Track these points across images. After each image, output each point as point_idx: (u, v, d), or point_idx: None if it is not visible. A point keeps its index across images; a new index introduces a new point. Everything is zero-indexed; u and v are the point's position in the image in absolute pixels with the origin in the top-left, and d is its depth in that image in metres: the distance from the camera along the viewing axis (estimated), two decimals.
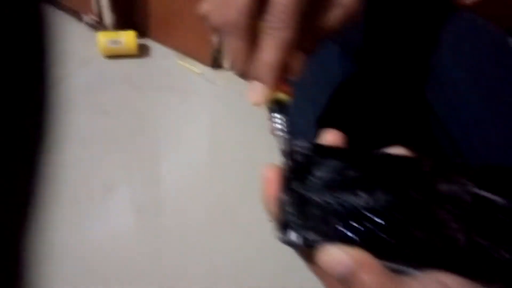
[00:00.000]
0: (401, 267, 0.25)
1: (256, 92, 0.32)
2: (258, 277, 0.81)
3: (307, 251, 0.27)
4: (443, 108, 0.50)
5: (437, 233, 0.26)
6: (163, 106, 1.06)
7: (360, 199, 0.28)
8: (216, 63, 1.16)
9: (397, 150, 0.30)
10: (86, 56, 1.14)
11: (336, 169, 0.29)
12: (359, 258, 0.25)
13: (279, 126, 0.33)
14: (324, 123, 0.55)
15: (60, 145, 0.85)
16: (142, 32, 1.20)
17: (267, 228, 0.88)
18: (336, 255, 0.25)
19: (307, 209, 0.28)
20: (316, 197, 0.28)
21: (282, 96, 0.33)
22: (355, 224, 0.26)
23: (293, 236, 0.27)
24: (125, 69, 1.13)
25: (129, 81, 1.11)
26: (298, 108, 0.62)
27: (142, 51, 1.18)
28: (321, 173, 0.29)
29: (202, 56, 1.15)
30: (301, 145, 0.31)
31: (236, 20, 0.29)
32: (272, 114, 0.33)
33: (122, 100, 1.06)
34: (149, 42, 1.21)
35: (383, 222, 0.26)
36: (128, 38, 1.12)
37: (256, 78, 0.31)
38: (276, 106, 0.33)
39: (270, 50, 0.30)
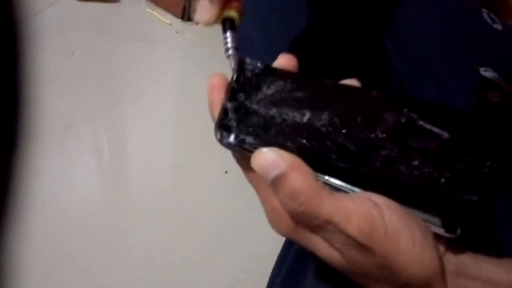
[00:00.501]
0: (335, 183, 0.26)
1: (205, 10, 0.32)
2: (223, 225, 0.86)
3: (244, 155, 0.27)
4: (398, 55, 0.51)
5: (373, 155, 0.26)
6: (130, 52, 1.08)
7: (303, 116, 0.28)
8: (186, 15, 1.17)
9: (351, 82, 0.31)
10: None
11: (284, 89, 0.30)
12: (292, 161, 0.24)
13: (230, 44, 0.32)
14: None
15: (25, 82, 0.90)
16: None
17: (228, 178, 0.93)
18: (270, 156, 0.25)
19: (250, 117, 0.28)
20: (259, 109, 0.28)
21: (232, 13, 0.32)
22: (295, 136, 0.27)
23: (231, 138, 0.27)
24: (95, 12, 1.14)
25: (98, 25, 1.12)
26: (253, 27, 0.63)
27: None
28: (268, 90, 0.30)
29: (173, 7, 1.17)
30: (252, 63, 0.31)
31: None
32: (224, 34, 0.32)
33: (89, 43, 1.07)
34: None
35: (323, 138, 0.27)
36: None
37: None
38: (227, 24, 0.32)
39: None
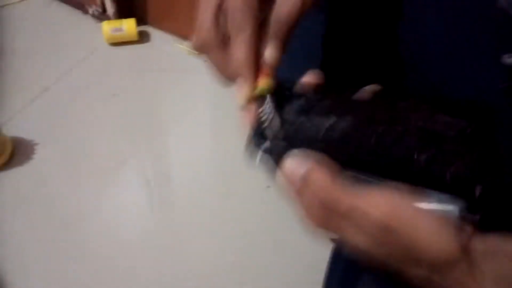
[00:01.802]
0: (363, 176, 0.27)
1: (242, 90, 0.34)
2: (268, 244, 0.89)
3: (277, 161, 0.29)
4: (419, 54, 0.50)
5: (395, 148, 0.27)
6: (165, 85, 1.16)
7: (330, 119, 0.30)
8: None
9: (373, 87, 0.32)
10: (93, 45, 1.24)
11: (313, 100, 0.32)
12: (318, 158, 0.27)
13: (269, 110, 0.33)
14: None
15: (79, 129, 0.99)
16: (142, 20, 1.29)
17: (273, 194, 0.95)
18: (297, 156, 0.28)
19: (282, 125, 0.31)
20: (290, 118, 0.31)
21: (266, 83, 0.34)
22: (322, 138, 0.29)
23: (266, 144, 0.30)
24: (128, 54, 1.24)
25: (133, 65, 1.21)
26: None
27: (143, 37, 1.28)
28: (299, 101, 0.32)
29: None
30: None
31: (208, 37, 0.34)
32: (262, 101, 0.34)
33: (128, 83, 1.16)
34: (148, 28, 1.30)
35: (349, 138, 0.29)
36: (129, 26, 1.22)
37: (237, 77, 0.34)
38: (263, 96, 0.34)
39: (239, 47, 0.33)
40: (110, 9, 1.26)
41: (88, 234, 0.88)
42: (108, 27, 1.22)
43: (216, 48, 0.35)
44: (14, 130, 1.02)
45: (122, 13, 1.26)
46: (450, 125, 0.28)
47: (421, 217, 0.25)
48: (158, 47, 1.26)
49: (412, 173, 0.27)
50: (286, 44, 0.35)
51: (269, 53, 0.34)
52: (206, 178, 0.99)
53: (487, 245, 0.25)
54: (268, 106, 0.34)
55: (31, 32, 1.28)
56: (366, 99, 0.32)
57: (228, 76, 0.36)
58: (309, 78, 0.34)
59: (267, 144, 0.30)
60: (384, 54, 0.57)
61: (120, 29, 1.22)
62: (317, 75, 0.34)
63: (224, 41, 0.34)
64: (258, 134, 0.31)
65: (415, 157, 0.27)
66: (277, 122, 0.32)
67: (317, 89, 0.33)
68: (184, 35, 1.26)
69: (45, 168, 0.97)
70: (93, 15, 1.30)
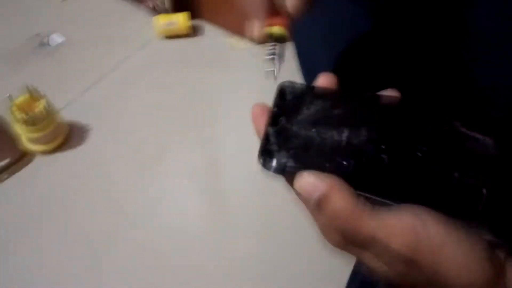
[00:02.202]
0: (378, 199, 0.25)
1: (253, 27, 0.36)
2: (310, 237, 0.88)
3: (288, 179, 0.28)
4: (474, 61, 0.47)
5: (414, 167, 0.25)
6: (213, 78, 1.17)
7: (342, 134, 0.28)
8: (259, 40, 1.25)
9: (390, 92, 0.31)
10: (146, 38, 1.29)
11: (324, 108, 0.30)
12: (332, 183, 0.25)
13: (272, 54, 0.35)
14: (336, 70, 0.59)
15: (130, 117, 1.02)
16: (195, 14, 1.32)
17: None
18: (310, 179, 0.26)
19: (290, 140, 0.29)
20: (300, 130, 0.29)
21: (278, 29, 0.35)
22: (334, 156, 0.27)
23: (274, 163, 0.28)
24: (180, 47, 1.26)
25: (183, 57, 1.24)
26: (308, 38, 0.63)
27: (195, 31, 1.30)
28: (308, 110, 0.30)
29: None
30: (292, 85, 0.32)
31: None
32: (272, 43, 0.36)
33: (178, 75, 1.19)
34: (201, 22, 1.33)
35: (361, 155, 0.26)
36: (181, 19, 1.25)
37: (252, 16, 0.36)
38: (273, 39, 0.36)
39: None
40: (166, 3, 1.29)
41: (135, 221, 0.90)
42: (161, 20, 1.25)
43: None
44: (70, 115, 1.07)
45: (176, 7, 1.30)
46: (477, 143, 0.25)
47: (446, 248, 0.23)
48: (209, 41, 1.28)
49: (434, 195, 0.24)
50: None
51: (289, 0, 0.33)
52: (250, 170, 0.99)
53: None
54: (274, 51, 0.34)
55: (89, 24, 1.34)
56: (384, 107, 0.29)
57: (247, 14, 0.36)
58: (322, 81, 0.33)
59: (274, 163, 0.28)
60: (434, 61, 0.54)
61: (173, 23, 1.25)
62: (330, 78, 0.32)
63: None
64: (266, 152, 0.29)
65: (438, 182, 0.24)
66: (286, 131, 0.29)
67: (330, 93, 0.31)
68: (236, 30, 1.28)
69: (97, 152, 1.01)
70: (152, 9, 1.34)
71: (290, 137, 0.29)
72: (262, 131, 0.31)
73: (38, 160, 1.00)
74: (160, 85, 1.17)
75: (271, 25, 0.35)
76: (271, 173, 0.29)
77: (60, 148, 1.01)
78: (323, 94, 0.31)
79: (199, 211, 0.92)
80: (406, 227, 0.23)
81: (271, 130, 0.30)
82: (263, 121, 0.31)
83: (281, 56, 0.36)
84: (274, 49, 0.36)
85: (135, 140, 1.04)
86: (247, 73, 1.18)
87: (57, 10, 1.39)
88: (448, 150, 0.25)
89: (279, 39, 0.36)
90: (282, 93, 0.32)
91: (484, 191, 0.23)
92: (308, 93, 0.31)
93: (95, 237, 0.87)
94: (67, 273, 0.82)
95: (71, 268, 0.83)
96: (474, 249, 0.23)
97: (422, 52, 0.55)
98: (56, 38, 1.27)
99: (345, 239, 0.26)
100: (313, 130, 0.29)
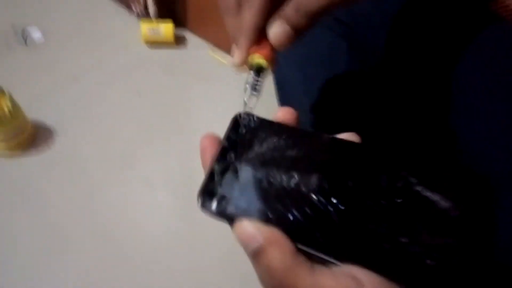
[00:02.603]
0: (318, 254, 0.24)
1: (236, 53, 0.34)
2: None
3: (228, 221, 0.26)
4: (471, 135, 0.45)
5: (361, 226, 0.24)
6: (191, 90, 1.15)
7: (291, 180, 0.26)
8: (238, 67, 1.23)
9: (349, 136, 0.29)
10: (128, 41, 1.25)
11: (277, 147, 0.28)
12: (270, 236, 0.24)
13: (251, 82, 0.34)
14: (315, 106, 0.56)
15: (100, 122, 0.97)
16: (180, 23, 1.29)
17: None
18: (248, 229, 0.24)
19: (235, 181, 0.27)
20: (247, 171, 0.27)
21: (259, 60, 0.34)
22: (279, 205, 0.25)
23: (213, 206, 0.26)
24: (161, 56, 1.23)
25: (163, 67, 1.21)
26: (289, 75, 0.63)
27: (179, 41, 1.28)
28: (260, 148, 0.28)
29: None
30: (248, 117, 0.30)
31: (226, 2, 0.34)
32: (250, 72, 0.34)
33: (156, 82, 1.16)
34: (186, 33, 1.30)
35: (307, 207, 0.25)
36: (166, 28, 1.22)
37: (236, 42, 0.34)
38: (255, 69, 0.34)
39: (246, 15, 0.33)
40: (151, 9, 1.26)
41: (99, 227, 0.86)
42: (146, 26, 1.22)
43: (231, 11, 0.34)
44: (37, 114, 1.02)
45: (162, 14, 1.27)
46: (431, 204, 0.24)
47: None
48: (192, 52, 1.26)
49: (381, 255, 0.23)
50: (299, 33, 0.33)
51: (273, 32, 0.33)
52: None
53: None
54: (256, 77, 0.33)
55: (70, 19, 1.30)
56: (340, 153, 0.27)
57: (234, 39, 0.35)
58: (281, 115, 0.31)
59: (214, 206, 0.26)
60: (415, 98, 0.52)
61: (157, 30, 1.22)
62: (290, 113, 0.31)
63: (239, 7, 0.34)
64: (206, 192, 0.27)
65: (383, 244, 0.23)
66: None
67: (286, 131, 0.29)
68: (220, 44, 1.26)
69: (63, 154, 0.97)
70: (137, 14, 1.31)
71: (235, 177, 0.27)
72: (205, 165, 0.29)
73: None
74: (137, 91, 1.13)
75: (253, 53, 0.34)
76: (208, 215, 0.26)
77: (23, 148, 0.96)
78: (279, 131, 0.29)
79: (167, 219, 0.88)
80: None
81: (216, 167, 0.27)
82: (208, 154, 0.29)
83: (257, 88, 0.34)
84: (251, 78, 0.34)
85: (105, 145, 1.00)
86: (227, 88, 1.16)
87: (36, 2, 1.34)
88: (399, 211, 0.24)
89: (258, 70, 0.34)
90: (236, 126, 0.30)
91: (429, 262, 0.22)
92: (263, 128, 0.29)
93: (52, 241, 0.82)
94: (20, 282, 0.77)
95: (25, 276, 0.77)
96: None
97: (402, 90, 0.54)
98: (33, 32, 1.22)
99: None
100: (262, 171, 0.27)
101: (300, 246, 0.24)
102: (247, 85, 0.34)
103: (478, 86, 0.44)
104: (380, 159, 0.26)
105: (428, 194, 0.24)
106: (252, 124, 0.30)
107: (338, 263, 0.23)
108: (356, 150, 0.27)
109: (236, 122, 0.30)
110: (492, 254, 0.22)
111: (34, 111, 1.02)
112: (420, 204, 0.24)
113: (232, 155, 0.28)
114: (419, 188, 0.24)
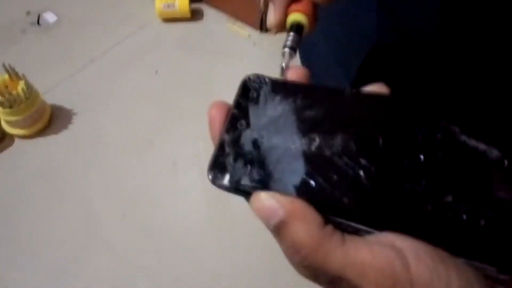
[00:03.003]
0: (348, 223, 0.21)
1: (272, 13, 0.32)
2: None
3: (245, 197, 0.23)
4: None
5: (396, 188, 0.21)
6: (211, 66, 1.10)
7: (312, 143, 0.23)
8: (263, 27, 1.17)
9: (377, 88, 0.26)
10: (144, 20, 1.21)
11: (294, 108, 0.25)
12: (292, 207, 0.21)
13: (289, 43, 0.31)
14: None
15: (118, 103, 0.94)
16: None
17: None
18: (267, 203, 0.21)
19: (249, 151, 0.24)
20: (261, 138, 0.24)
21: (298, 17, 0.31)
22: (300, 172, 0.22)
23: (225, 179, 0.23)
24: (178, 31, 1.19)
25: (182, 43, 1.16)
26: (318, 48, 0.60)
27: (195, 15, 1.22)
28: (274, 112, 0.25)
29: (251, 20, 1.17)
30: (258, 79, 0.27)
31: None
32: (288, 34, 0.31)
33: (174, 61, 1.12)
34: (202, 5, 1.25)
35: (332, 172, 0.22)
36: (181, 2, 1.17)
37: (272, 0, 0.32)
38: (293, 28, 0.31)
39: None
40: None
41: (121, 209, 0.84)
42: (160, 2, 1.17)
43: None
44: (55, 98, 1.01)
45: None
46: (479, 157, 0.20)
47: None
48: (209, 26, 1.21)
49: (423, 218, 0.20)
50: None
51: None
52: None
53: None
54: (292, 37, 0.30)
55: (85, 2, 1.27)
56: (366, 108, 0.24)
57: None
58: (292, 75, 0.28)
59: (226, 180, 0.23)
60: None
61: (172, 5, 1.17)
62: (302, 71, 0.28)
63: None
64: (217, 165, 0.24)
65: (425, 207, 0.20)
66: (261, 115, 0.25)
67: (303, 90, 0.26)
68: (238, 16, 1.20)
69: (81, 138, 0.95)
70: None
71: (248, 146, 0.24)
72: (215, 136, 0.26)
73: (18, 144, 0.93)
74: (155, 71, 1.09)
75: (290, 11, 0.31)
76: (221, 189, 0.23)
77: (42, 132, 0.95)
78: (295, 91, 0.26)
79: (190, 204, 0.85)
80: (381, 266, 0.19)
81: (226, 137, 0.25)
82: (218, 124, 0.26)
83: (296, 50, 0.31)
84: (287, 40, 0.31)
85: (123, 127, 0.97)
86: (248, 62, 1.10)
87: None
88: (442, 165, 0.21)
89: (298, 29, 0.31)
90: (246, 90, 0.27)
91: (482, 222, 0.19)
92: (277, 89, 0.26)
93: (76, 223, 0.81)
94: (48, 261, 0.76)
95: (53, 256, 0.77)
96: None
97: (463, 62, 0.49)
98: (48, 17, 1.21)
99: (311, 273, 0.21)
100: (278, 137, 0.24)
101: (328, 217, 0.21)
102: (285, 49, 0.30)
103: None
104: (413, 111, 0.23)
105: (474, 144, 0.21)
106: (264, 87, 0.26)
107: (373, 230, 0.21)
108: (385, 103, 0.24)
109: (245, 86, 0.27)
110: None
111: (52, 95, 1.01)
112: (466, 157, 0.21)
113: (244, 123, 0.25)
114: (463, 138, 0.21)
